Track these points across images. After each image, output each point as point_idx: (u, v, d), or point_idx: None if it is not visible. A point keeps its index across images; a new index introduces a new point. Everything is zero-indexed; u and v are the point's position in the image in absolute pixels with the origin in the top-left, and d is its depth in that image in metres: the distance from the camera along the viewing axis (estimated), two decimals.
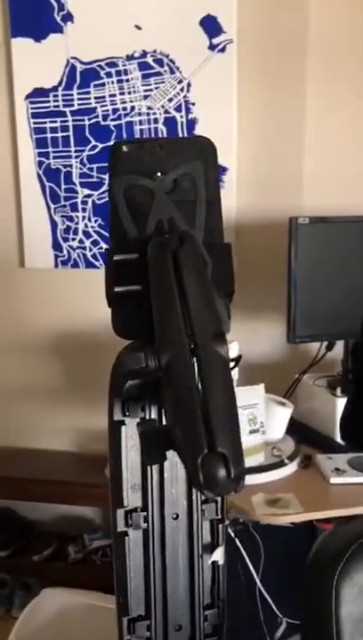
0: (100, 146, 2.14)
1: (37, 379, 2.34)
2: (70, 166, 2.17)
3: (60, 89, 2.12)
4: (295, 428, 1.81)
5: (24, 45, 2.10)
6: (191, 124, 2.07)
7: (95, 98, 2.11)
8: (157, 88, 2.07)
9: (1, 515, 2.41)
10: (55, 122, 2.15)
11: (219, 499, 0.64)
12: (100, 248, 2.20)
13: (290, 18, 1.96)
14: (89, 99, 2.12)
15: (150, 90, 2.07)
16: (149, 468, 0.61)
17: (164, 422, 0.60)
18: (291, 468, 1.63)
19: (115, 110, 2.11)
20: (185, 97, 2.06)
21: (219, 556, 0.64)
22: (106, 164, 0.64)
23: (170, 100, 2.07)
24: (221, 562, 0.64)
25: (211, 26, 1.99)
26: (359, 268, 1.82)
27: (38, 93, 2.14)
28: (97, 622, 1.44)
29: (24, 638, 1.70)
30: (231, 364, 0.62)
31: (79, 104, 2.12)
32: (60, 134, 2.16)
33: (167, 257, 0.55)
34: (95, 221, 2.19)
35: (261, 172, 2.08)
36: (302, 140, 2.03)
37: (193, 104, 2.06)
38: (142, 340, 0.57)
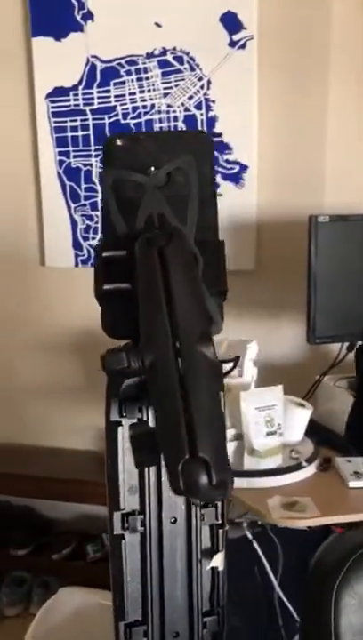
0: None
1: (57, 377, 2.34)
2: (90, 165, 2.17)
3: (80, 88, 2.12)
4: (315, 430, 1.78)
5: (44, 45, 2.11)
6: (211, 121, 2.05)
7: (115, 96, 2.11)
8: (177, 86, 2.06)
9: (21, 513, 2.42)
10: (75, 121, 2.15)
11: (219, 504, 0.62)
12: None
13: (311, 13, 1.93)
14: (109, 97, 2.11)
15: (170, 87, 2.06)
16: (146, 470, 0.60)
17: None
18: (309, 470, 1.60)
19: (135, 109, 2.10)
20: (205, 94, 2.04)
21: (219, 561, 0.62)
22: None
23: (190, 97, 2.05)
24: (221, 568, 0.62)
25: (231, 22, 1.97)
26: None
27: (59, 92, 2.14)
28: (113, 622, 1.43)
29: (40, 636, 1.71)
30: (228, 366, 0.60)
31: (99, 102, 2.12)
32: (80, 133, 2.16)
33: (154, 254, 0.54)
34: None
35: (282, 170, 2.05)
36: (323, 137, 2.00)
37: (213, 101, 2.04)
38: (132, 339, 0.55)
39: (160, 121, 2.09)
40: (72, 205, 2.21)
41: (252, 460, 1.56)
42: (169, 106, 2.07)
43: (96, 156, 2.16)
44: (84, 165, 2.17)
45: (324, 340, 1.78)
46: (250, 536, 1.70)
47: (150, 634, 0.62)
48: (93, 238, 2.21)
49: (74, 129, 2.16)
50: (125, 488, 0.61)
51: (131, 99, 2.09)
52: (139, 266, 0.55)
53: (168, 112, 2.07)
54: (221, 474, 0.45)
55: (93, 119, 2.13)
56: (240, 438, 1.59)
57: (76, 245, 2.24)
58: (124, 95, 2.10)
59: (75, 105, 2.14)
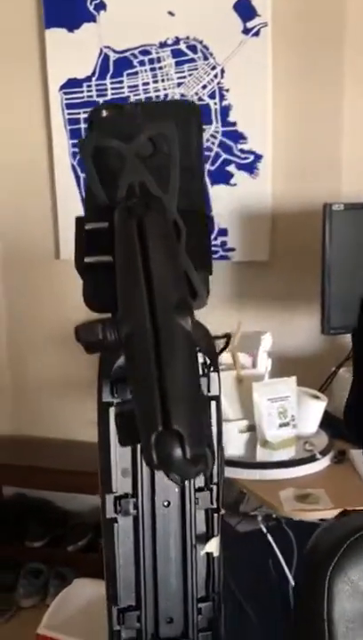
0: None
1: (73, 370, 2.34)
2: None
3: (93, 79, 2.11)
4: (330, 423, 1.75)
5: (57, 36, 2.10)
6: (225, 110, 2.02)
7: (128, 87, 2.09)
8: (190, 75, 2.04)
9: (37, 505, 2.43)
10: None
11: (214, 488, 0.61)
12: None
13: None
14: (122, 88, 2.10)
15: (184, 77, 2.04)
16: (139, 452, 0.59)
17: None
18: (323, 463, 1.58)
19: (148, 99, 2.08)
20: (219, 83, 2.02)
21: (214, 547, 0.60)
22: None
23: (204, 86, 2.03)
24: (216, 553, 0.61)
25: (245, 9, 1.95)
26: None
27: (72, 84, 2.13)
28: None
29: (54, 626, 1.71)
30: (221, 343, 0.58)
31: (113, 93, 2.11)
32: None
33: (132, 224, 0.52)
34: None
35: (297, 159, 2.02)
36: (339, 125, 1.96)
37: (227, 90, 2.01)
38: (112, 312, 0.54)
39: None
40: None
41: (265, 452, 1.54)
42: (183, 95, 2.05)
43: None
44: None
45: (338, 331, 1.75)
46: (264, 529, 1.68)
47: (143, 619, 0.61)
48: None
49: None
50: (118, 470, 0.60)
51: (144, 89, 2.08)
52: (117, 236, 0.54)
53: None
54: (195, 448, 0.43)
55: None
56: (253, 430, 1.57)
57: None
58: (137, 86, 2.09)
59: (88, 96, 2.13)
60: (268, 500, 1.44)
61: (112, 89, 2.11)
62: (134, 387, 0.48)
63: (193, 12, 1.99)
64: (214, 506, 0.61)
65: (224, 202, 2.05)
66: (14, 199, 2.32)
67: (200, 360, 0.62)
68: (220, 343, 0.61)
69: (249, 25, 1.95)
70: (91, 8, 2.06)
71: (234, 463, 1.52)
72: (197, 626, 0.61)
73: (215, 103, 2.03)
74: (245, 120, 2.01)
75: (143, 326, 0.48)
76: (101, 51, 2.09)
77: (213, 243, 2.09)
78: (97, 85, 2.12)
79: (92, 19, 2.07)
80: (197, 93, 2.04)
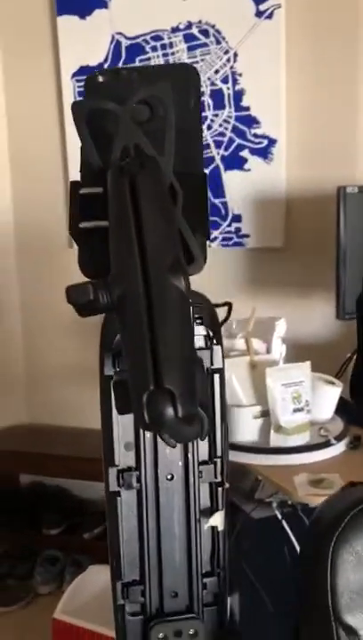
0: None
1: (87, 358, 2.34)
2: None
3: (105, 66, 2.10)
4: (346, 409, 1.73)
5: (69, 23, 2.10)
6: (238, 95, 2.00)
7: None
8: (203, 60, 2.02)
9: (53, 494, 2.45)
10: None
11: (218, 461, 0.60)
12: None
13: None
14: None
15: (196, 62, 2.02)
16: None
17: None
18: (338, 448, 1.56)
19: None
20: (232, 67, 1.99)
21: (218, 521, 0.60)
22: None
23: (216, 71, 2.01)
24: (220, 527, 0.60)
25: None
26: None
27: (84, 71, 2.12)
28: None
29: (70, 612, 1.72)
30: (224, 311, 0.57)
31: None
32: None
33: (125, 182, 0.51)
34: None
35: (312, 143, 1.99)
36: (353, 109, 1.93)
37: (240, 74, 1.99)
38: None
39: None
40: None
41: (279, 437, 1.53)
42: None
43: None
44: None
45: (353, 316, 1.73)
46: (279, 516, 1.67)
47: (148, 593, 0.60)
48: None
49: None
50: (121, 444, 0.59)
51: None
52: (110, 195, 0.53)
53: None
54: (187, 406, 0.42)
55: None
56: (267, 415, 1.55)
57: None
58: None
59: None
60: (282, 485, 1.43)
61: None
62: (127, 349, 0.48)
63: None
64: (218, 479, 0.60)
65: (238, 187, 2.03)
66: (28, 188, 2.32)
67: (203, 333, 0.61)
68: (221, 312, 0.60)
69: (262, 7, 1.92)
70: None
71: (248, 449, 1.52)
72: (202, 600, 0.61)
73: (228, 88, 2.01)
74: (258, 104, 1.99)
75: (135, 286, 0.47)
76: (113, 37, 2.08)
77: (228, 229, 2.07)
78: None
79: (104, 5, 2.06)
80: (209, 78, 2.02)
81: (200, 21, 1.99)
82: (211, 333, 0.60)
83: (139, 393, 0.43)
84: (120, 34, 2.07)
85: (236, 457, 1.49)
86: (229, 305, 0.59)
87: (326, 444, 1.55)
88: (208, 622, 0.62)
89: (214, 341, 0.60)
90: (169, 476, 0.59)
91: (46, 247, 2.33)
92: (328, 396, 1.67)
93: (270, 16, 1.92)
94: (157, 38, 2.05)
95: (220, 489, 0.60)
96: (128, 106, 0.56)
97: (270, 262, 2.08)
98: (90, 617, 1.66)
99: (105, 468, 0.60)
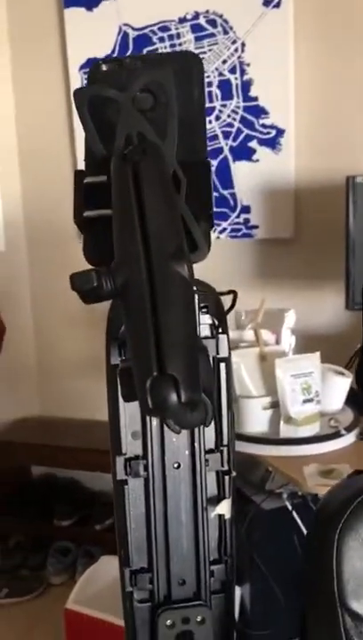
0: None
1: (101, 350, 2.35)
2: None
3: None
4: (356, 399, 1.73)
5: (76, 15, 2.09)
6: (246, 85, 1.99)
7: None
8: (210, 50, 2.01)
9: (65, 485, 2.47)
10: None
11: (224, 450, 0.60)
12: None
13: None
14: None
15: (204, 52, 2.01)
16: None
17: None
18: (348, 439, 1.56)
19: None
20: (239, 57, 1.98)
21: (225, 509, 0.60)
22: None
23: (224, 61, 2.00)
24: (227, 515, 0.60)
25: None
26: None
27: (92, 64, 2.12)
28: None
29: (82, 602, 1.73)
30: (229, 300, 0.57)
31: None
32: None
33: (128, 170, 0.51)
34: None
35: (320, 133, 1.98)
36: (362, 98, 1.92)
37: (248, 65, 1.98)
38: None
39: None
40: None
41: (288, 428, 1.53)
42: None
43: None
44: None
45: None
46: (290, 507, 1.68)
47: (156, 580, 0.61)
48: None
49: None
50: (128, 432, 0.60)
51: None
52: (113, 183, 0.53)
53: None
54: (191, 392, 0.43)
55: None
56: (276, 406, 1.56)
57: None
58: None
59: None
60: (292, 476, 1.43)
61: None
62: (130, 335, 0.48)
63: None
64: (225, 468, 0.61)
65: (247, 178, 2.03)
66: (37, 181, 2.33)
67: (209, 322, 0.61)
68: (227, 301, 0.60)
69: None
70: None
71: (258, 440, 1.52)
72: (209, 588, 0.61)
73: (236, 78, 2.00)
74: (266, 94, 1.98)
75: (139, 273, 0.47)
76: (120, 28, 2.07)
77: (236, 220, 2.07)
78: None
79: None
80: (217, 68, 2.01)
81: (207, 11, 1.98)
82: (216, 322, 0.60)
83: (142, 379, 0.43)
84: (127, 25, 2.07)
85: (246, 448, 1.50)
86: (235, 293, 0.59)
87: (337, 435, 1.55)
88: (216, 609, 0.62)
89: (220, 330, 0.60)
90: (176, 465, 0.60)
91: (57, 241, 2.33)
92: (338, 387, 1.67)
93: (277, 5, 1.91)
94: (164, 29, 2.04)
95: (227, 477, 0.60)
96: (130, 93, 0.56)
97: (279, 253, 2.07)
98: (102, 607, 1.68)
99: (112, 456, 0.61)
